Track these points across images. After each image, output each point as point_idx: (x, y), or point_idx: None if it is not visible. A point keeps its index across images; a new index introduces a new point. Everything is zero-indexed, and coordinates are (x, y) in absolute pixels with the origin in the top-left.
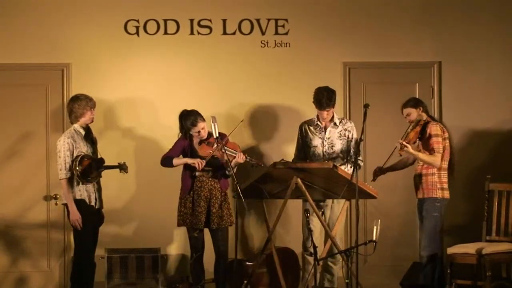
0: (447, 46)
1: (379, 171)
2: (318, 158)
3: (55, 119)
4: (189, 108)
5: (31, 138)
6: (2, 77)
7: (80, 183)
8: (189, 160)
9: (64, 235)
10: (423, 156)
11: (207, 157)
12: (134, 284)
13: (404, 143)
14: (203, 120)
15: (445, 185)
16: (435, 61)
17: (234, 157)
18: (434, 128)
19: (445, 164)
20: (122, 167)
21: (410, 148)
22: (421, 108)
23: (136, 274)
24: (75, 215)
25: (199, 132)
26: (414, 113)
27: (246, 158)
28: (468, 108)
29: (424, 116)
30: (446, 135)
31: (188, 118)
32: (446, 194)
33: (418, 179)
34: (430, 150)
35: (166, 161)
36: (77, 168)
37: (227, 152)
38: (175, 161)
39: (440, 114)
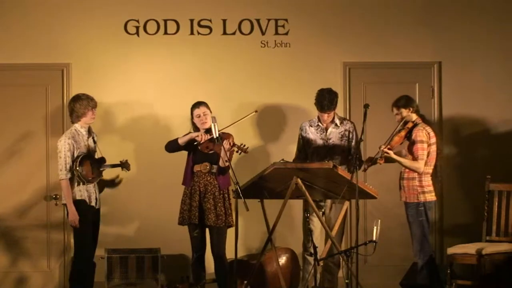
0: (447, 46)
1: (371, 161)
2: (319, 158)
3: (55, 119)
4: (189, 108)
5: (31, 138)
6: (2, 77)
7: (81, 183)
8: (193, 134)
9: (64, 235)
10: (405, 161)
11: (208, 139)
12: (134, 284)
13: (385, 149)
14: (208, 107)
15: (427, 188)
16: (435, 61)
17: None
18: (419, 134)
19: (429, 169)
20: (124, 165)
21: (391, 154)
22: (411, 108)
23: (136, 275)
24: (74, 215)
25: (199, 116)
26: (403, 113)
27: (231, 144)
28: (468, 108)
29: (414, 117)
30: (433, 140)
31: (194, 104)
32: (430, 197)
33: (401, 181)
34: (414, 156)
35: (172, 143)
36: (78, 168)
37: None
38: (180, 139)
39: (440, 114)
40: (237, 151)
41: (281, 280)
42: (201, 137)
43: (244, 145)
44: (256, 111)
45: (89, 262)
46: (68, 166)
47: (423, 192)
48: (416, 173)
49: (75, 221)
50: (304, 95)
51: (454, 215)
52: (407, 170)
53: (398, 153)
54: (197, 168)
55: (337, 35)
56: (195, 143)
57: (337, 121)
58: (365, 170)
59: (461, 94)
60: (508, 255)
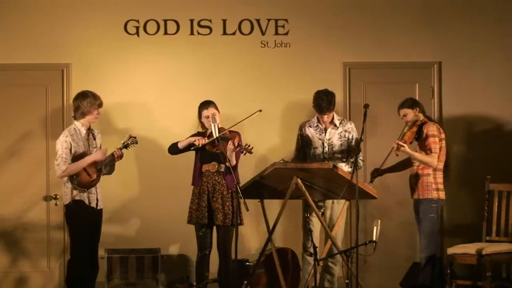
0: (447, 46)
1: (376, 173)
2: (318, 159)
3: (55, 119)
4: (189, 109)
5: (31, 138)
6: (2, 77)
7: (83, 191)
8: (191, 139)
9: (64, 235)
10: (419, 156)
11: (209, 142)
12: (134, 284)
13: (400, 143)
14: (216, 107)
15: (441, 186)
16: (435, 61)
17: (228, 142)
18: (431, 129)
19: (441, 165)
20: (128, 145)
21: (406, 148)
22: (418, 108)
23: (136, 275)
24: (98, 155)
25: (208, 117)
26: (410, 114)
27: (236, 144)
28: (468, 108)
29: (421, 117)
30: (443, 135)
31: (202, 104)
32: (442, 195)
33: (413, 179)
34: (427, 151)
35: (173, 146)
36: (73, 177)
37: (222, 140)
38: (180, 143)
39: (440, 114)
40: (241, 152)
41: (281, 280)
42: (199, 142)
43: (249, 145)
44: (260, 110)
45: (85, 263)
46: (65, 161)
47: (437, 189)
48: (431, 169)
49: (103, 154)
50: (304, 95)
51: (454, 215)
52: (421, 167)
53: (404, 162)
54: (205, 167)
55: (337, 35)
56: (192, 148)
57: (337, 122)
58: (371, 181)
59: (461, 94)
60: (508, 255)
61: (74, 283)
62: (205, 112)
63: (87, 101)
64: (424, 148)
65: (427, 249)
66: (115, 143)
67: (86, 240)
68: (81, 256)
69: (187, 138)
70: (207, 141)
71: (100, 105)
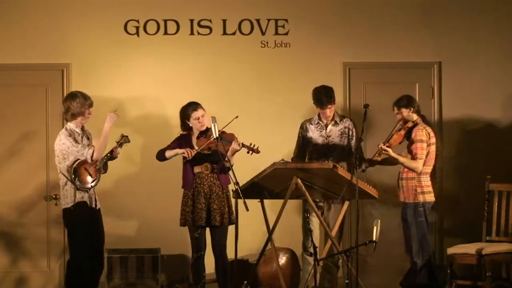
0: (447, 46)
1: (368, 162)
2: (319, 156)
3: (55, 119)
4: None
5: (31, 138)
6: (2, 77)
7: (85, 192)
8: (179, 150)
9: (64, 235)
10: (403, 160)
11: (203, 148)
12: (134, 284)
13: (384, 147)
14: (203, 109)
15: (427, 189)
16: (435, 61)
17: (230, 143)
18: (419, 133)
19: (428, 169)
20: (122, 144)
21: (390, 152)
22: (412, 108)
23: (136, 274)
24: (112, 118)
25: (198, 118)
26: (404, 113)
27: (241, 145)
28: (468, 108)
29: (414, 117)
30: (432, 140)
31: (190, 105)
32: (429, 198)
33: (399, 182)
34: (413, 155)
35: (160, 154)
36: (75, 179)
37: (223, 141)
38: (167, 153)
39: (440, 114)
40: (248, 152)
41: (281, 280)
42: (188, 154)
43: (254, 145)
44: (236, 117)
45: (85, 265)
46: (83, 146)
47: (423, 193)
48: (415, 173)
49: (112, 116)
50: (304, 95)
51: (454, 215)
52: (406, 170)
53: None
54: (197, 169)
55: (337, 35)
56: (184, 161)
57: (337, 119)
58: (363, 170)
59: (461, 94)
60: (508, 255)
61: (74, 284)
62: (195, 114)
63: (76, 102)
64: (411, 152)
65: (421, 253)
66: (112, 143)
67: (86, 240)
68: (82, 256)
69: (174, 149)
70: (196, 151)
71: (91, 105)
